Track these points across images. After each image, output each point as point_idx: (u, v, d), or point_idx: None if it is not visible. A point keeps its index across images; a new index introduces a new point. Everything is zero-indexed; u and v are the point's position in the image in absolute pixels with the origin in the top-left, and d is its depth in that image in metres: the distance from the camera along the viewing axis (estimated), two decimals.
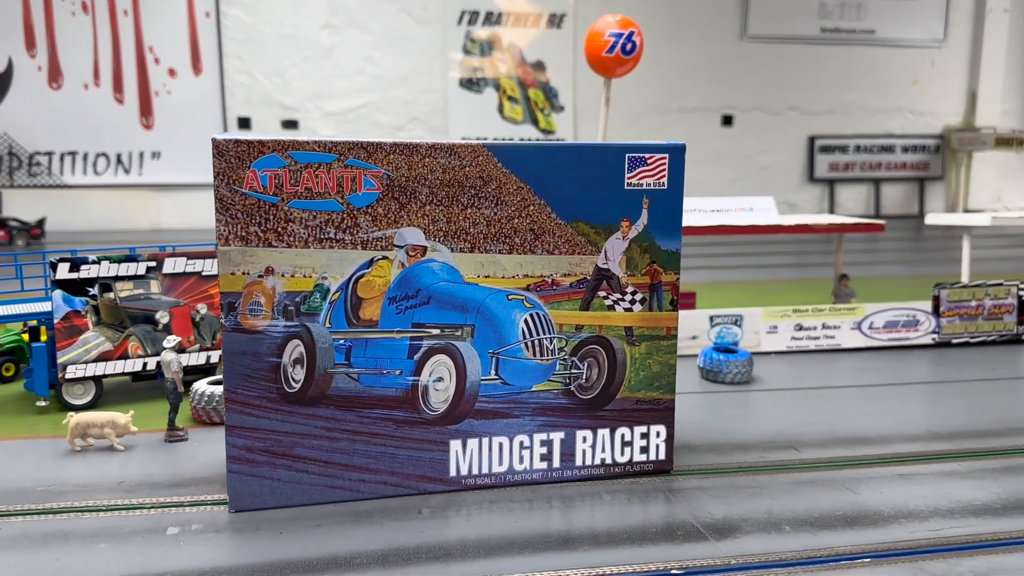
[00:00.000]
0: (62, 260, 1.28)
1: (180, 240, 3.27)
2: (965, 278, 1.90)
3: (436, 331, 0.99)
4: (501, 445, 1.02)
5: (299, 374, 0.95)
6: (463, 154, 0.96)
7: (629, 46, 1.51)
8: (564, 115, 3.96)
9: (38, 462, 1.11)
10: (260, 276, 0.93)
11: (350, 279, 0.96)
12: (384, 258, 0.96)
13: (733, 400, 1.43)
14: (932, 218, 2.00)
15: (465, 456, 1.01)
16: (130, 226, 3.66)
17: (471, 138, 3.93)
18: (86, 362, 1.30)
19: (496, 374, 1.01)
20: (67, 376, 1.29)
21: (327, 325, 0.96)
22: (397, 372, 0.98)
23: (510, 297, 1.00)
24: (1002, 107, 4.44)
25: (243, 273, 0.92)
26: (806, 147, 4.31)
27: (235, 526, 0.93)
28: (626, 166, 1.01)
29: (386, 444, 0.99)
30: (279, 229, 0.92)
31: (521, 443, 1.03)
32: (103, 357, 1.32)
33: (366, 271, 0.96)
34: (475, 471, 1.02)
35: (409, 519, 0.95)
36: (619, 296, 1.04)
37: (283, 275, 0.93)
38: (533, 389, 1.02)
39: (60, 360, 1.28)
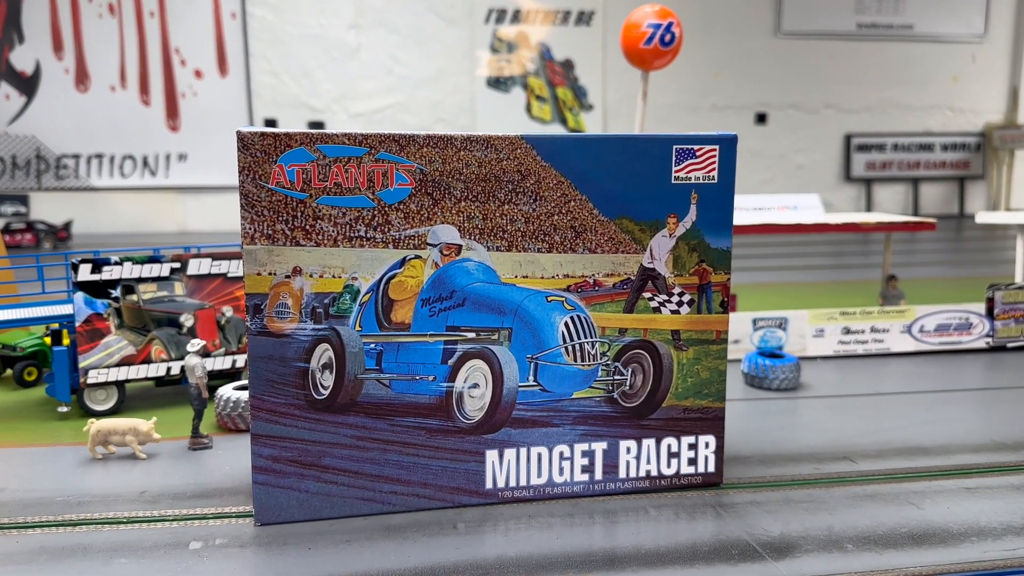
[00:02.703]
0: (84, 261, 1.24)
1: (207, 242, 3.25)
2: (1019, 278, 1.82)
3: (471, 335, 0.93)
4: (540, 456, 0.96)
5: (328, 380, 0.90)
6: (500, 147, 0.91)
7: (668, 37, 1.45)
8: (593, 114, 3.90)
9: (58, 471, 1.07)
10: (287, 276, 0.88)
11: (381, 280, 0.90)
12: (417, 257, 0.91)
13: (780, 408, 1.36)
14: (983, 216, 1.91)
15: (502, 467, 0.96)
16: (156, 228, 3.65)
17: None
18: (108, 366, 1.26)
19: (535, 380, 0.95)
20: (89, 381, 1.25)
21: (357, 328, 0.91)
22: (430, 378, 0.93)
23: (550, 299, 0.95)
24: None
25: (269, 273, 0.87)
26: (842, 146, 4.21)
27: (260, 540, 0.88)
28: (673, 159, 0.95)
29: (419, 454, 0.93)
30: (307, 227, 0.87)
31: (561, 454, 0.97)
32: (126, 361, 1.28)
33: (398, 271, 0.91)
34: (512, 483, 0.96)
35: (443, 534, 0.89)
36: (665, 297, 0.97)
37: (311, 275, 0.88)
38: (574, 396, 0.96)
39: (82, 364, 1.25)
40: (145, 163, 3.52)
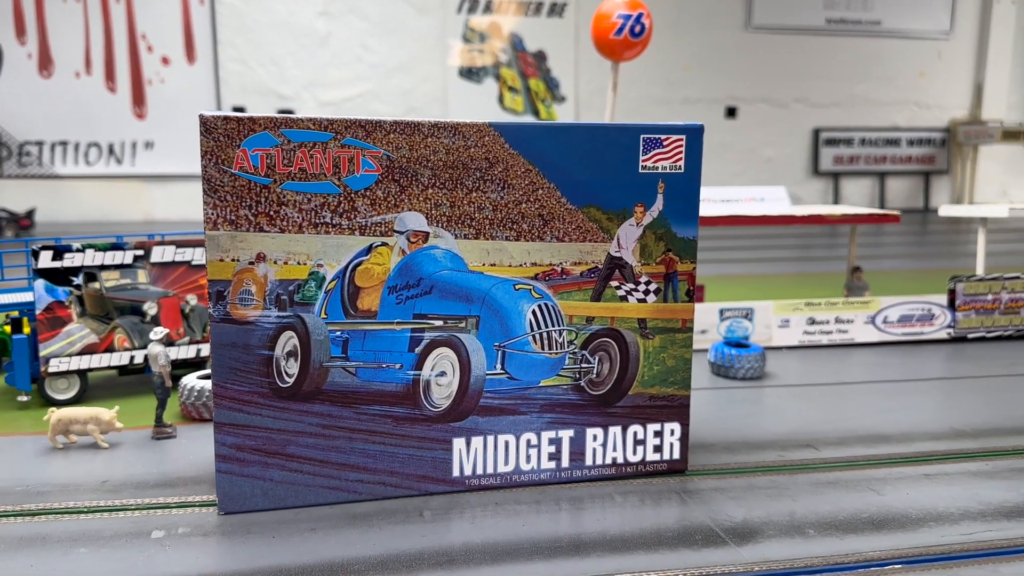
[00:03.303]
0: (44, 248, 1.22)
1: (171, 231, 3.21)
2: (980, 271, 1.85)
3: (439, 322, 0.93)
4: (507, 443, 0.97)
5: (293, 368, 0.90)
6: (468, 134, 0.91)
7: (638, 28, 1.45)
8: (565, 106, 3.90)
9: (17, 460, 1.05)
10: (251, 263, 0.87)
11: (347, 267, 0.90)
12: (383, 244, 0.90)
13: (746, 396, 1.37)
14: (946, 209, 1.94)
15: (469, 455, 0.96)
16: (123, 217, 3.59)
17: None
18: (70, 355, 1.24)
19: (502, 368, 0.95)
20: (50, 370, 1.23)
21: (323, 316, 0.90)
22: (397, 366, 0.92)
23: (517, 287, 0.95)
24: (1008, 100, 4.38)
25: (232, 260, 0.86)
26: (811, 140, 4.25)
27: (224, 529, 0.87)
28: (641, 148, 0.96)
29: (385, 442, 0.93)
30: (271, 213, 0.86)
31: (528, 441, 0.97)
32: (88, 350, 1.26)
33: (364, 258, 0.90)
34: (479, 471, 0.96)
35: (410, 522, 0.89)
36: (632, 286, 0.98)
37: (275, 262, 0.88)
38: (541, 384, 0.97)
39: (43, 353, 1.23)
40: (111, 151, 3.47)
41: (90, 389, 1.31)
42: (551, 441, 0.98)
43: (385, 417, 0.93)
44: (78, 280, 1.25)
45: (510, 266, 0.94)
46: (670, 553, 0.83)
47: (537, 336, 0.95)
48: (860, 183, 4.36)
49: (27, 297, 1.27)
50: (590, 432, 0.99)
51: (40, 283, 1.22)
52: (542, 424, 0.97)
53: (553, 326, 0.96)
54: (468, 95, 3.81)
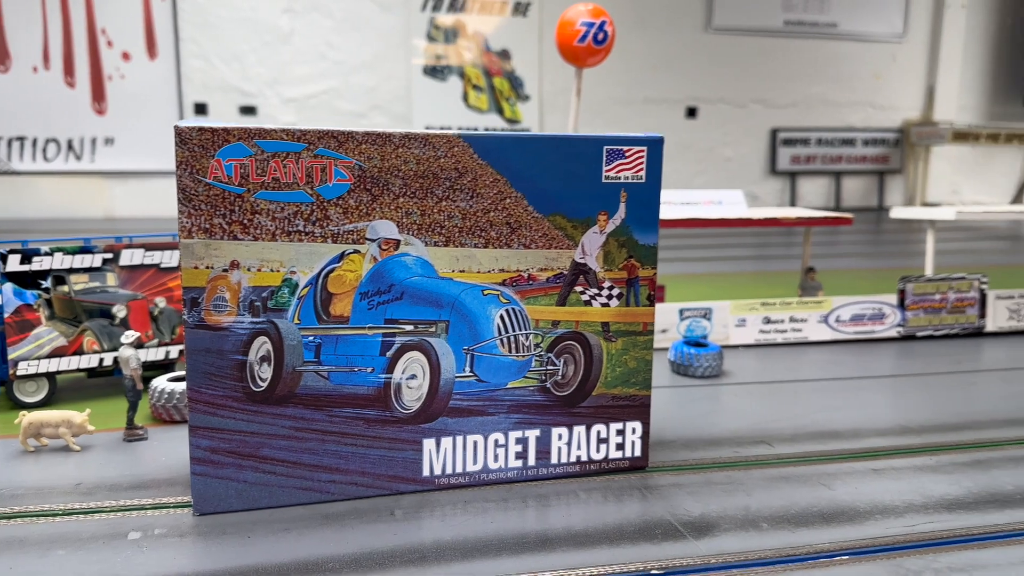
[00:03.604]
0: (12, 252, 1.23)
1: (135, 229, 3.19)
2: (929, 271, 1.92)
3: (409, 327, 0.96)
4: (476, 443, 1.00)
5: (266, 372, 0.92)
6: (438, 144, 0.93)
7: (601, 36, 1.49)
8: (530, 104, 3.93)
9: None
10: (225, 270, 0.89)
11: (320, 273, 0.92)
12: (355, 252, 0.93)
13: (704, 394, 1.42)
14: (897, 211, 2.01)
15: (439, 455, 0.99)
16: (82, 214, 3.55)
17: (436, 127, 3.88)
18: (39, 358, 1.25)
19: (471, 371, 0.98)
20: (19, 372, 1.24)
21: (296, 321, 0.92)
22: (369, 370, 0.95)
23: (485, 292, 0.98)
24: (959, 102, 4.51)
25: (207, 267, 0.88)
26: (769, 140, 4.34)
27: (200, 530, 0.89)
28: (604, 159, 0.99)
29: (357, 444, 0.96)
30: (245, 221, 0.89)
31: (496, 441, 1.01)
32: (57, 353, 1.26)
33: (336, 265, 0.92)
34: (449, 470, 0.99)
35: (381, 521, 0.92)
36: (596, 291, 1.02)
37: (249, 269, 0.90)
38: (508, 386, 1.00)
39: (11, 356, 1.23)
40: (70, 146, 3.42)
41: (59, 392, 1.31)
42: (518, 440, 1.01)
43: (357, 419, 0.95)
44: (47, 283, 1.25)
45: (479, 272, 0.97)
46: (631, 547, 0.87)
47: (505, 340, 0.99)
48: (816, 182, 4.46)
49: None
50: (555, 431, 1.03)
51: (8, 286, 1.22)
52: (509, 424, 1.01)
53: (520, 330, 0.99)
54: (432, 93, 3.83)
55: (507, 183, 0.96)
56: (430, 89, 3.82)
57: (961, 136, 4.18)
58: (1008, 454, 1.15)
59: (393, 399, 0.96)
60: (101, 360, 1.30)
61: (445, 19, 3.76)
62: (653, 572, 0.82)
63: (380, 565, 0.82)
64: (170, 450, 1.11)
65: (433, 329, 0.97)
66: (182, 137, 0.86)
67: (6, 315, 1.22)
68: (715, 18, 4.09)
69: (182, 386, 1.21)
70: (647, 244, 1.03)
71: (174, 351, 1.34)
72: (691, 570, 0.83)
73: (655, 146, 1.01)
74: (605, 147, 0.99)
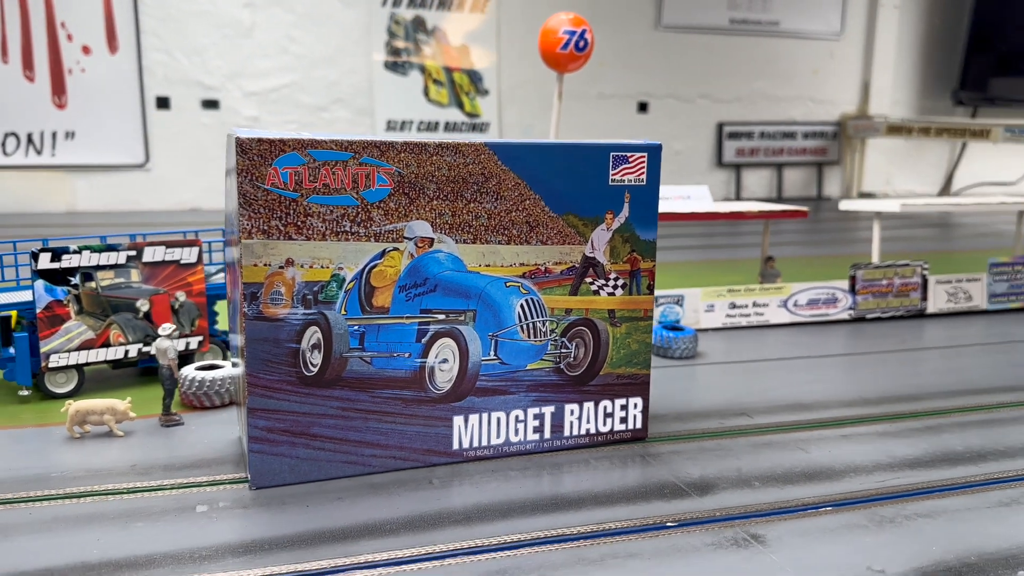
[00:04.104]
0: (43, 251, 1.29)
1: (99, 224, 3.20)
2: (875, 259, 2.10)
3: (442, 316, 1.07)
4: (499, 419, 1.11)
5: (316, 358, 1.02)
6: (467, 152, 1.04)
7: (582, 43, 1.61)
8: (489, 99, 4.04)
9: (41, 450, 1.13)
10: (281, 267, 0.99)
11: (364, 269, 1.02)
12: (395, 249, 1.03)
13: (684, 374, 1.56)
14: (846, 204, 2.18)
15: (467, 430, 1.10)
16: (44, 209, 3.53)
17: (398, 121, 3.96)
18: (69, 351, 1.32)
19: (495, 355, 1.10)
20: (50, 365, 1.30)
21: (343, 312, 1.02)
22: (406, 355, 1.06)
23: (508, 284, 1.09)
24: (892, 97, 4.77)
25: (265, 264, 0.98)
26: (715, 133, 4.53)
27: (260, 502, 0.99)
28: (610, 164, 1.11)
29: (395, 421, 1.06)
30: (298, 223, 0.98)
31: (516, 417, 1.12)
32: (85, 345, 1.33)
33: (378, 261, 1.03)
34: (475, 444, 1.11)
35: (422, 489, 1.03)
36: (603, 282, 1.14)
37: (302, 266, 0.99)
38: (528, 368, 1.12)
39: (43, 349, 1.30)
40: (30, 141, 3.40)
41: (86, 382, 1.38)
42: (535, 416, 1.13)
43: (396, 399, 1.06)
44: (75, 280, 1.32)
45: (502, 266, 1.09)
46: (647, 504, 1.00)
47: (524, 326, 1.10)
48: (760, 174, 4.68)
49: (20, 296, 1.33)
50: (568, 408, 1.15)
51: (40, 283, 1.29)
52: (528, 402, 1.13)
53: (538, 317, 1.11)
54: (394, 87, 3.90)
55: (527, 186, 1.08)
56: (391, 83, 3.89)
57: (895, 129, 4.43)
58: (954, 420, 1.31)
59: (427, 381, 1.07)
60: (126, 352, 1.37)
61: (405, 14, 3.84)
62: (669, 524, 0.95)
63: (432, 526, 0.93)
64: (206, 433, 1.20)
65: (462, 318, 1.08)
66: (243, 147, 0.95)
67: (38, 311, 1.29)
68: (664, 16, 4.25)
69: (212, 374, 1.29)
70: (647, 239, 1.15)
71: (194, 342, 1.42)
72: (702, 521, 0.96)
73: (654, 152, 1.14)
74: (612, 153, 1.11)
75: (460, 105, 4.00)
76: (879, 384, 1.50)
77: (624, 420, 1.18)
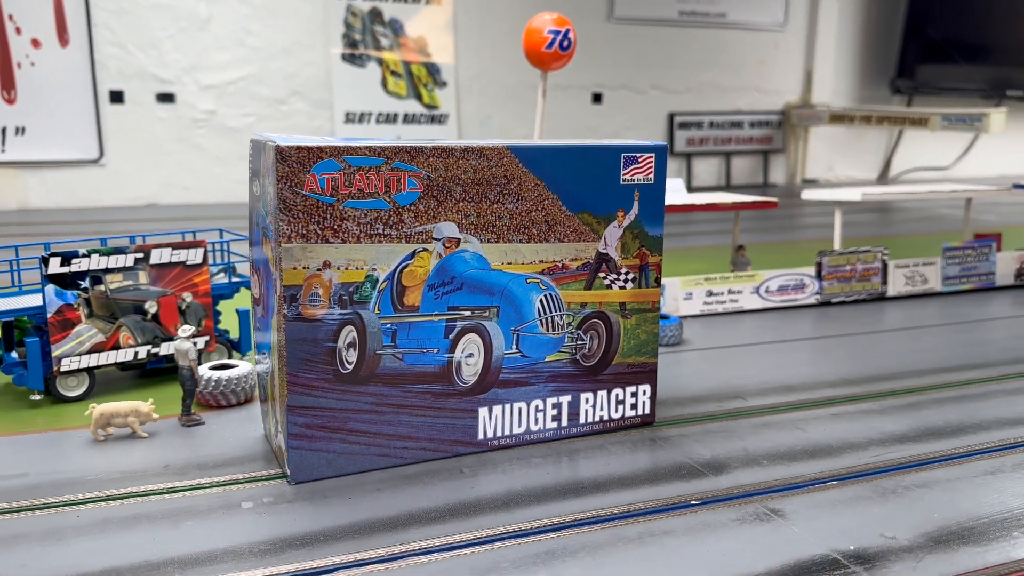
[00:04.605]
0: (53, 255, 1.29)
1: (53, 221, 3.14)
2: (837, 245, 2.21)
3: (468, 313, 1.12)
4: (520, 410, 1.17)
5: (352, 356, 1.06)
6: (490, 156, 1.09)
7: (566, 43, 1.66)
8: (447, 91, 4.06)
9: (66, 454, 1.14)
10: (319, 269, 1.02)
11: (396, 269, 1.06)
12: (424, 250, 1.07)
13: (673, 360, 1.63)
14: (808, 194, 2.29)
15: (491, 421, 1.15)
16: None
17: (356, 113, 3.95)
18: (80, 354, 1.32)
19: (517, 348, 1.15)
20: (62, 369, 1.31)
21: (376, 311, 1.06)
22: (435, 351, 1.10)
23: (528, 281, 1.15)
24: (833, 87, 4.94)
25: (304, 267, 1.01)
26: (667, 123, 4.63)
27: (303, 496, 1.02)
28: (621, 164, 1.17)
29: (425, 415, 1.11)
30: (335, 227, 1.02)
31: (536, 407, 1.18)
32: (96, 348, 1.34)
33: (409, 262, 1.07)
34: (499, 433, 1.16)
35: (455, 478, 1.08)
36: (615, 276, 1.20)
37: (338, 268, 1.03)
38: (547, 360, 1.17)
39: (55, 353, 1.30)
40: None
41: (96, 385, 1.38)
42: (554, 405, 1.19)
43: (426, 393, 1.11)
44: (85, 283, 1.32)
45: (523, 264, 1.14)
46: (668, 485, 1.07)
47: (544, 320, 1.16)
48: (709, 162, 4.81)
49: (26, 301, 1.33)
50: (583, 396, 1.21)
51: (50, 288, 1.29)
52: (547, 392, 1.18)
53: (556, 312, 1.17)
54: (352, 79, 3.89)
55: (545, 187, 1.13)
56: (349, 76, 3.88)
57: (838, 118, 4.60)
58: (930, 397, 1.42)
59: (455, 375, 1.12)
60: (136, 353, 1.38)
61: (362, 6, 3.83)
62: (693, 503, 1.02)
63: (473, 512, 0.99)
64: (229, 432, 1.23)
65: (487, 314, 1.13)
66: (283, 155, 0.98)
67: (49, 315, 1.29)
68: (616, 9, 4.32)
69: (227, 373, 1.32)
70: (655, 235, 1.22)
71: (200, 342, 1.44)
72: (722, 499, 1.03)
73: (661, 152, 1.20)
74: (623, 154, 1.17)
75: (419, 97, 4.01)
76: (856, 365, 1.60)
77: (634, 406, 1.25)
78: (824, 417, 1.32)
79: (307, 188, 0.99)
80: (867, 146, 5.19)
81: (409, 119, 4.01)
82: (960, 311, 2.05)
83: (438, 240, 1.08)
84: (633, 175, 1.19)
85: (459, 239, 1.09)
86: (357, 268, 1.04)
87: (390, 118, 3.99)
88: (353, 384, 1.06)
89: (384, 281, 1.06)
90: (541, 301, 1.16)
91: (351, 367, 1.06)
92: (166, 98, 3.60)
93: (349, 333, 1.05)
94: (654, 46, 4.49)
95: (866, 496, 1.04)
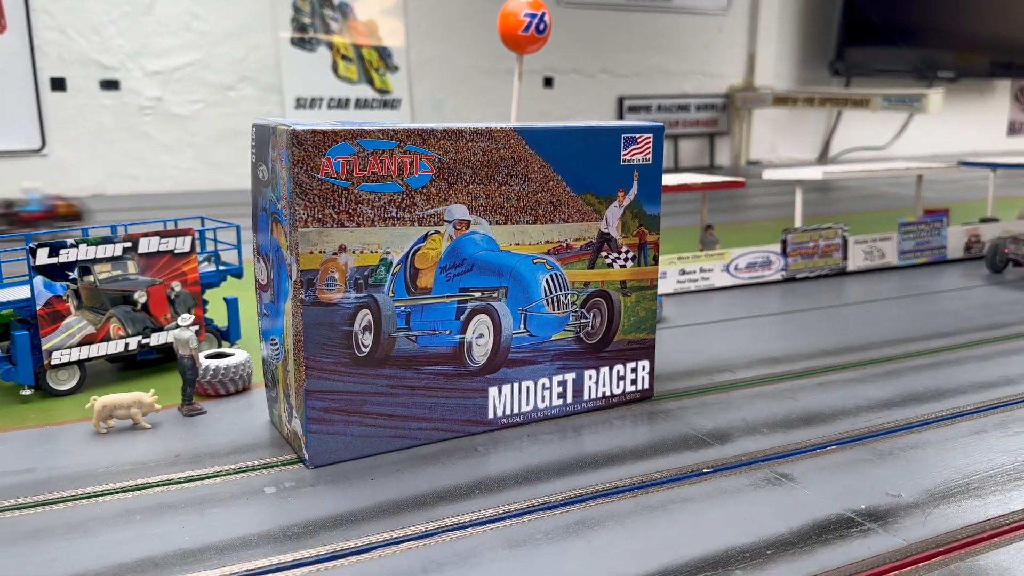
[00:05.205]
0: (41, 246, 1.26)
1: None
2: (798, 223, 2.28)
3: (478, 294, 1.13)
4: (528, 388, 1.19)
5: (367, 339, 1.06)
6: (499, 138, 1.10)
7: (542, 26, 1.67)
8: (399, 75, 4.03)
9: (70, 447, 1.12)
10: (335, 254, 1.02)
11: (409, 252, 1.07)
12: (436, 232, 1.08)
13: (659, 337, 1.67)
14: (770, 173, 2.36)
15: (500, 400, 1.17)
16: None
17: (307, 98, 3.90)
18: (70, 347, 1.30)
19: (524, 328, 1.17)
20: (53, 362, 1.28)
21: (390, 294, 1.07)
22: (447, 332, 1.12)
23: (535, 261, 1.16)
24: (775, 70, 5.06)
25: (320, 252, 1.01)
26: (616, 107, 4.69)
27: (324, 479, 1.03)
28: (621, 145, 1.20)
29: (438, 395, 1.12)
30: (350, 210, 1.02)
31: (543, 385, 1.20)
32: (86, 340, 1.31)
33: (422, 244, 1.08)
34: (509, 412, 1.18)
35: (470, 457, 1.09)
36: (616, 255, 1.23)
37: (354, 252, 1.03)
38: (552, 338, 1.20)
39: (45, 347, 1.27)
40: None
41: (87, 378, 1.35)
42: (559, 383, 1.22)
43: (439, 375, 1.12)
44: (73, 274, 1.29)
45: (530, 244, 1.16)
46: (678, 455, 1.10)
47: (550, 300, 1.18)
48: None
49: (11, 294, 1.30)
50: (587, 373, 1.24)
51: (39, 280, 1.26)
52: (553, 370, 1.21)
53: (561, 291, 1.19)
54: (302, 64, 3.83)
55: (551, 168, 1.15)
56: (299, 60, 3.82)
57: (781, 100, 4.72)
58: (906, 365, 1.49)
59: (466, 355, 1.13)
60: (127, 344, 1.36)
61: None
62: (705, 471, 1.06)
63: (498, 488, 1.01)
64: (233, 420, 1.22)
65: (496, 295, 1.15)
66: (298, 139, 0.98)
67: (38, 307, 1.26)
68: None
69: (225, 362, 1.30)
70: (653, 214, 1.25)
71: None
72: (732, 466, 1.07)
73: (658, 133, 1.23)
74: (623, 135, 1.20)
75: (370, 81, 3.97)
76: (830, 337, 1.67)
77: (634, 382, 1.28)
78: (812, 386, 1.37)
79: (322, 172, 0.99)
80: (808, 128, 5.34)
81: (361, 104, 3.97)
82: (917, 283, 2.15)
83: (449, 222, 1.09)
84: (633, 155, 1.21)
85: (469, 221, 1.10)
86: (372, 252, 1.05)
87: (342, 103, 3.94)
88: (369, 367, 1.07)
89: (398, 264, 1.07)
90: (547, 281, 1.18)
91: (367, 350, 1.06)
92: (110, 85, 3.49)
93: (365, 316, 1.06)
94: (603, 30, 4.53)
95: (866, 458, 1.09)
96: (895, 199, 3.79)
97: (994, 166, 2.51)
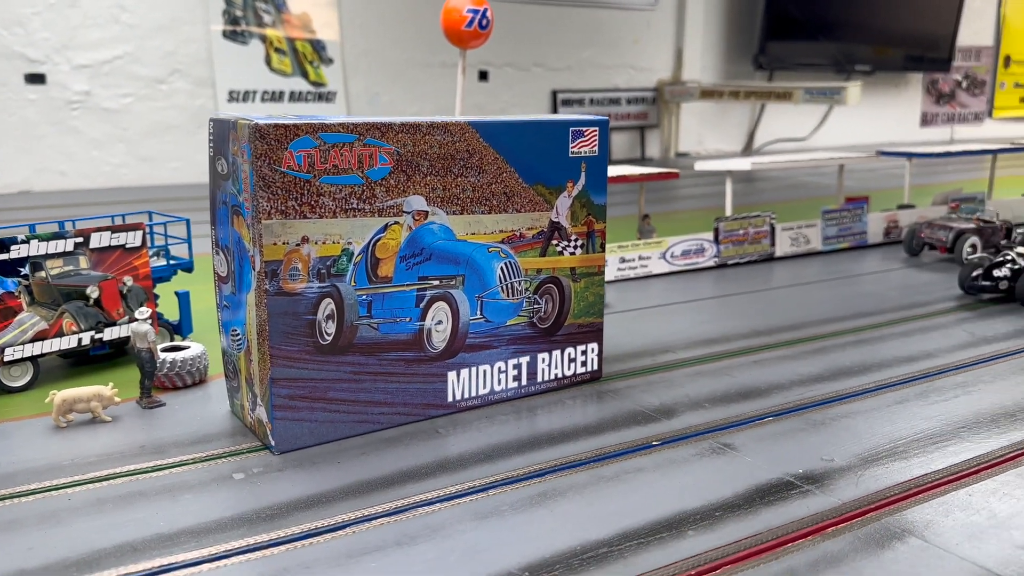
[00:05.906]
0: None
1: None
2: (729, 212, 2.39)
3: (436, 282, 1.18)
4: (484, 372, 1.24)
5: (331, 328, 1.10)
6: (454, 131, 1.15)
7: (484, 22, 1.72)
8: (333, 68, 4.01)
9: (32, 442, 1.13)
10: (297, 245, 1.05)
11: (369, 243, 1.11)
12: (396, 223, 1.12)
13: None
14: (701, 164, 2.45)
15: (459, 384, 1.22)
16: None
17: (240, 91, 3.85)
18: (23, 343, 1.29)
19: (481, 314, 1.22)
20: (5, 359, 1.27)
21: (352, 284, 1.10)
22: (407, 319, 1.16)
23: (490, 250, 1.21)
24: (701, 63, 5.21)
25: (283, 243, 1.04)
26: (550, 100, 4.76)
27: (291, 464, 1.06)
28: (570, 138, 1.26)
29: (400, 381, 1.16)
30: (312, 202, 1.05)
31: (499, 368, 1.26)
32: (39, 336, 1.31)
33: (382, 235, 1.12)
34: (467, 395, 1.23)
35: (433, 439, 1.14)
36: (566, 243, 1.29)
37: (316, 243, 1.06)
38: (507, 324, 1.25)
39: None
40: None
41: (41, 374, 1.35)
42: (514, 367, 1.27)
43: (400, 361, 1.16)
44: (25, 270, 1.29)
45: (485, 234, 1.21)
46: (628, 430, 1.17)
47: (504, 287, 1.23)
48: None
49: None
50: (540, 356, 1.29)
51: None
52: (508, 354, 1.26)
53: (515, 278, 1.24)
54: (234, 57, 3.79)
55: (504, 161, 1.20)
56: (232, 52, 3.77)
57: (708, 94, 4.86)
58: (833, 343, 1.59)
59: (426, 341, 1.18)
60: (80, 340, 1.35)
61: None
62: (655, 443, 1.13)
63: (461, 466, 1.05)
64: (193, 411, 1.24)
65: (454, 282, 1.19)
66: (260, 133, 1.00)
67: None
68: None
69: (182, 354, 1.32)
70: (599, 203, 1.31)
71: None
72: (678, 439, 1.14)
73: (603, 126, 1.29)
74: (571, 128, 1.26)
75: (304, 74, 3.95)
76: (762, 318, 1.76)
77: (584, 363, 1.35)
78: (747, 364, 1.46)
79: (285, 165, 1.02)
80: (733, 120, 5.51)
81: (296, 97, 3.95)
82: (841, 267, 2.27)
83: (408, 213, 1.13)
84: (580, 148, 1.27)
85: (427, 212, 1.15)
86: (334, 242, 1.08)
87: (276, 96, 3.91)
88: (333, 354, 1.10)
89: (359, 254, 1.10)
90: (502, 269, 1.23)
91: (330, 338, 1.10)
92: (36, 79, 3.39)
93: (328, 305, 1.09)
94: (536, 24, 4.59)
95: (800, 428, 1.18)
96: (818, 188, 3.96)
97: (910, 155, 2.66)
